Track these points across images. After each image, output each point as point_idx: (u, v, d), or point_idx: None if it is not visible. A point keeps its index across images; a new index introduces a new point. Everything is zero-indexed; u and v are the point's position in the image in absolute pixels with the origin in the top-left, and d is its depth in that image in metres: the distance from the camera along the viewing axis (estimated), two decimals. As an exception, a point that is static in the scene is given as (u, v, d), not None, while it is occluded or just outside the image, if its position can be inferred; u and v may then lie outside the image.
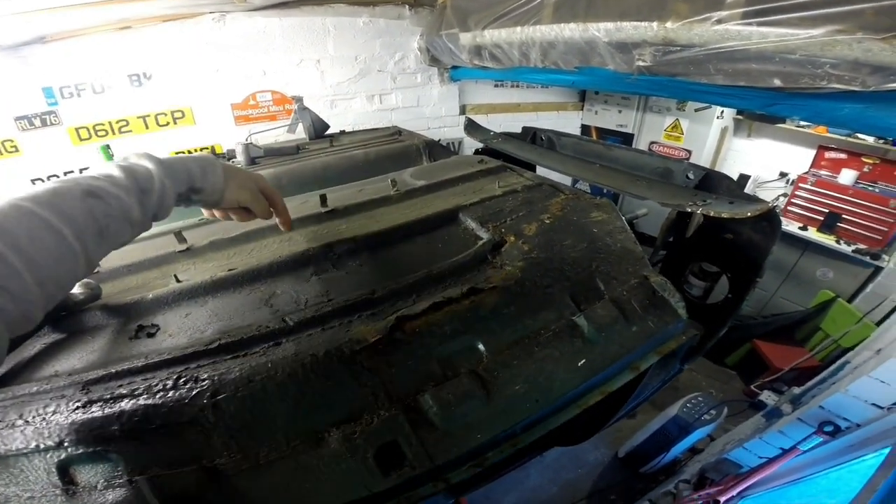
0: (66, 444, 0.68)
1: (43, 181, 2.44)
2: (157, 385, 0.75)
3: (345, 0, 2.98)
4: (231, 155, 2.11)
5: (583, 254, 1.05)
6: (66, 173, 2.72)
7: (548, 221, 1.16)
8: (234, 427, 0.72)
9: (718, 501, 1.99)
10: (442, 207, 1.25)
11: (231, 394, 0.74)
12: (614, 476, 2.76)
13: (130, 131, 2.82)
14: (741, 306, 1.53)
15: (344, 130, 2.71)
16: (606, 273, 1.02)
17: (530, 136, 2.40)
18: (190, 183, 0.70)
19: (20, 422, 0.71)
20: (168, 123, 2.88)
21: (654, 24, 1.71)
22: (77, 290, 0.94)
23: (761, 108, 1.61)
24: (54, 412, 0.72)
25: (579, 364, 0.86)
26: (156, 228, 1.48)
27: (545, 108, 4.25)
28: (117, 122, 2.77)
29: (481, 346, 0.85)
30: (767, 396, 2.38)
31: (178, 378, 0.76)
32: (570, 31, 2.14)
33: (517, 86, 4.04)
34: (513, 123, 3.05)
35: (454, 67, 3.46)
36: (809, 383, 1.94)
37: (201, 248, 1.17)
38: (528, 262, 1.00)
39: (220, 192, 0.74)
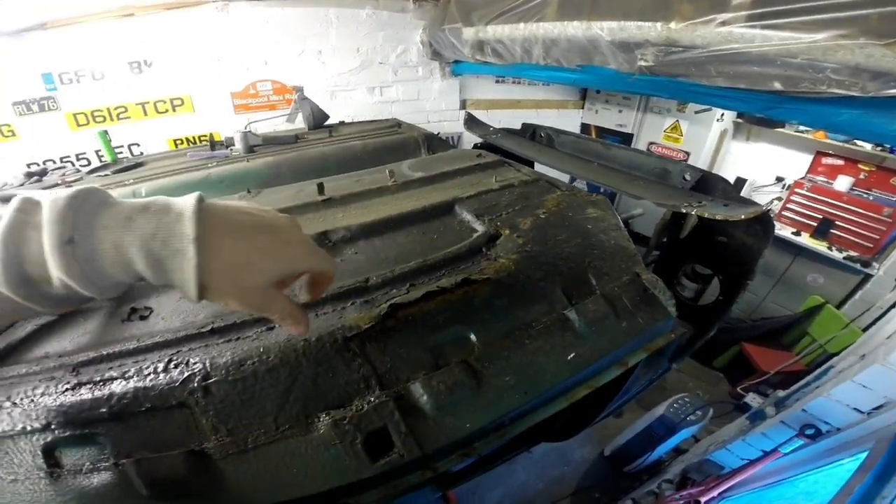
0: (53, 426, 0.68)
1: (39, 165, 2.44)
2: (147, 368, 0.75)
3: (348, -9, 2.98)
4: (230, 142, 2.10)
5: (576, 249, 1.06)
6: (62, 159, 2.71)
7: (543, 216, 1.17)
8: (223, 411, 0.72)
9: (699, 502, 2.02)
10: (438, 199, 1.25)
11: (222, 378, 0.74)
12: (599, 474, 2.79)
13: (129, 118, 2.81)
14: (731, 308, 1.55)
15: (343, 121, 2.70)
16: (599, 269, 1.03)
17: (530, 132, 2.41)
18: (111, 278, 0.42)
19: (7, 403, 0.71)
20: (167, 111, 2.87)
21: (658, 24, 1.71)
22: None
23: (761, 110, 1.62)
24: (43, 394, 0.72)
25: (569, 357, 0.87)
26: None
27: (546, 106, 4.25)
28: (115, 109, 2.76)
29: (473, 337, 0.86)
30: (752, 399, 2.41)
31: (170, 361, 0.77)
32: (574, 28, 2.14)
33: (518, 82, 4.03)
34: (513, 120, 3.07)
35: (456, 62, 3.45)
36: (794, 387, 1.97)
37: (197, 233, 1.16)
38: (522, 255, 1.01)
39: (193, 293, 0.41)
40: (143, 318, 0.91)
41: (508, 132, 2.42)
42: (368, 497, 0.71)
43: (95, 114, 2.70)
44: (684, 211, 1.33)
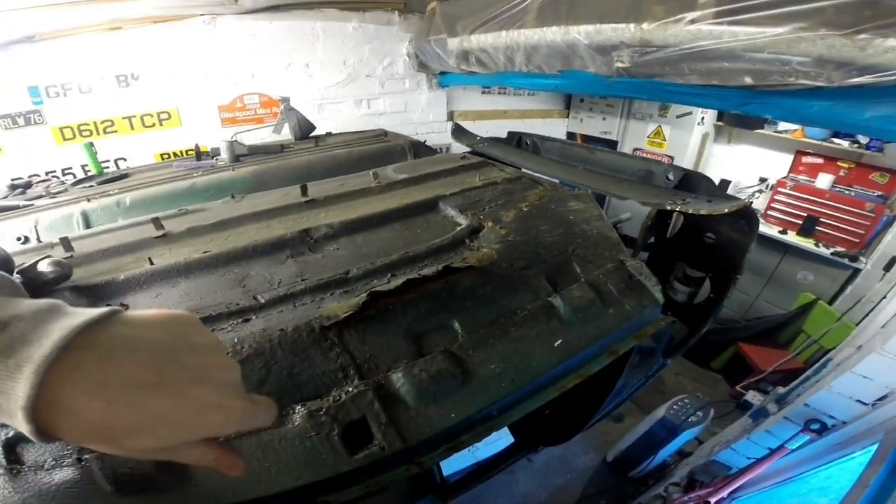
0: None
1: (23, 178, 2.41)
2: None
3: (335, 4, 3.02)
4: (215, 153, 2.10)
5: (559, 238, 1.06)
6: (48, 173, 2.68)
7: (525, 209, 1.17)
8: None
9: (709, 503, 1.98)
10: (422, 197, 1.25)
11: None
12: (603, 481, 2.74)
13: (116, 132, 2.80)
14: (722, 304, 1.55)
15: (330, 132, 2.71)
16: (583, 257, 1.03)
17: (516, 140, 2.45)
18: None
19: None
20: (154, 125, 2.86)
21: (632, 25, 1.76)
22: (48, 268, 0.92)
23: (736, 107, 1.65)
24: None
25: (555, 344, 0.86)
26: (133, 218, 1.46)
27: (532, 116, 4.30)
28: (102, 123, 2.75)
29: (456, 325, 0.85)
30: (753, 396, 2.39)
31: None
32: (553, 34, 2.19)
33: (504, 92, 4.09)
34: (499, 130, 3.09)
35: (442, 73, 3.50)
36: (794, 382, 1.95)
37: (178, 234, 1.15)
38: (505, 244, 1.00)
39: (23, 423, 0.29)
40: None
41: (495, 141, 2.45)
42: (347, 495, 0.68)
43: (82, 128, 2.69)
44: (668, 208, 1.34)
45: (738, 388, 2.92)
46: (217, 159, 2.01)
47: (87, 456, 0.62)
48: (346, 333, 0.79)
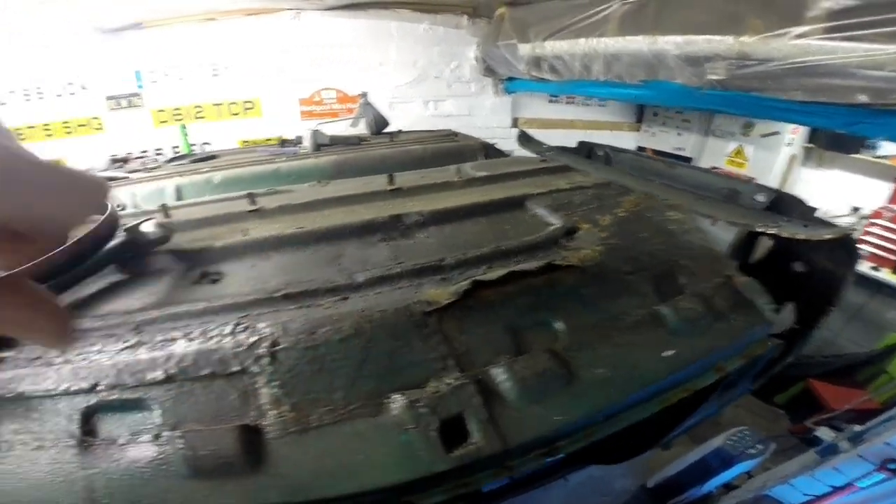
0: (100, 387, 0.63)
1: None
2: (213, 330, 0.72)
3: (408, 5, 3.10)
4: (298, 141, 2.19)
5: (662, 247, 1.00)
6: (142, 152, 2.90)
7: (622, 215, 1.11)
8: (289, 381, 0.66)
9: None
10: (508, 194, 1.23)
11: (291, 344, 0.70)
12: (639, 507, 2.57)
13: (204, 117, 3.01)
14: (812, 335, 1.42)
15: (401, 130, 2.76)
16: (688, 269, 0.96)
17: (586, 150, 2.36)
18: None
19: (59, 359, 0.66)
20: (238, 113, 3.05)
21: (730, 37, 1.69)
22: (151, 229, 0.94)
23: (843, 126, 1.55)
24: (99, 351, 0.68)
25: (664, 354, 0.80)
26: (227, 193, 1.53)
27: (600, 127, 4.19)
28: (194, 108, 2.97)
29: (558, 325, 0.80)
30: (824, 433, 2.20)
31: (237, 324, 0.74)
32: (637, 43, 2.12)
33: (572, 101, 4.01)
34: (565, 140, 3.01)
35: (509, 79, 3.49)
36: (875, 420, 1.83)
37: (270, 211, 1.19)
38: (607, 247, 0.95)
39: None
40: (214, 281, 0.90)
41: (563, 150, 2.37)
42: (434, 496, 0.63)
43: (175, 112, 2.91)
44: (760, 230, 1.23)
45: (807, 423, 2.73)
46: (300, 147, 2.09)
47: (166, 433, 0.59)
48: (445, 321, 0.77)
